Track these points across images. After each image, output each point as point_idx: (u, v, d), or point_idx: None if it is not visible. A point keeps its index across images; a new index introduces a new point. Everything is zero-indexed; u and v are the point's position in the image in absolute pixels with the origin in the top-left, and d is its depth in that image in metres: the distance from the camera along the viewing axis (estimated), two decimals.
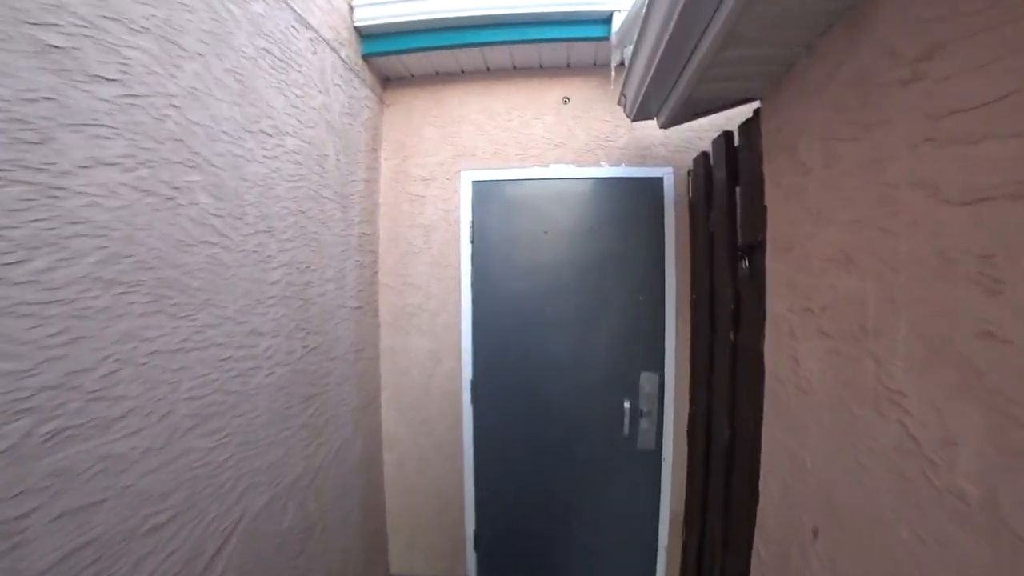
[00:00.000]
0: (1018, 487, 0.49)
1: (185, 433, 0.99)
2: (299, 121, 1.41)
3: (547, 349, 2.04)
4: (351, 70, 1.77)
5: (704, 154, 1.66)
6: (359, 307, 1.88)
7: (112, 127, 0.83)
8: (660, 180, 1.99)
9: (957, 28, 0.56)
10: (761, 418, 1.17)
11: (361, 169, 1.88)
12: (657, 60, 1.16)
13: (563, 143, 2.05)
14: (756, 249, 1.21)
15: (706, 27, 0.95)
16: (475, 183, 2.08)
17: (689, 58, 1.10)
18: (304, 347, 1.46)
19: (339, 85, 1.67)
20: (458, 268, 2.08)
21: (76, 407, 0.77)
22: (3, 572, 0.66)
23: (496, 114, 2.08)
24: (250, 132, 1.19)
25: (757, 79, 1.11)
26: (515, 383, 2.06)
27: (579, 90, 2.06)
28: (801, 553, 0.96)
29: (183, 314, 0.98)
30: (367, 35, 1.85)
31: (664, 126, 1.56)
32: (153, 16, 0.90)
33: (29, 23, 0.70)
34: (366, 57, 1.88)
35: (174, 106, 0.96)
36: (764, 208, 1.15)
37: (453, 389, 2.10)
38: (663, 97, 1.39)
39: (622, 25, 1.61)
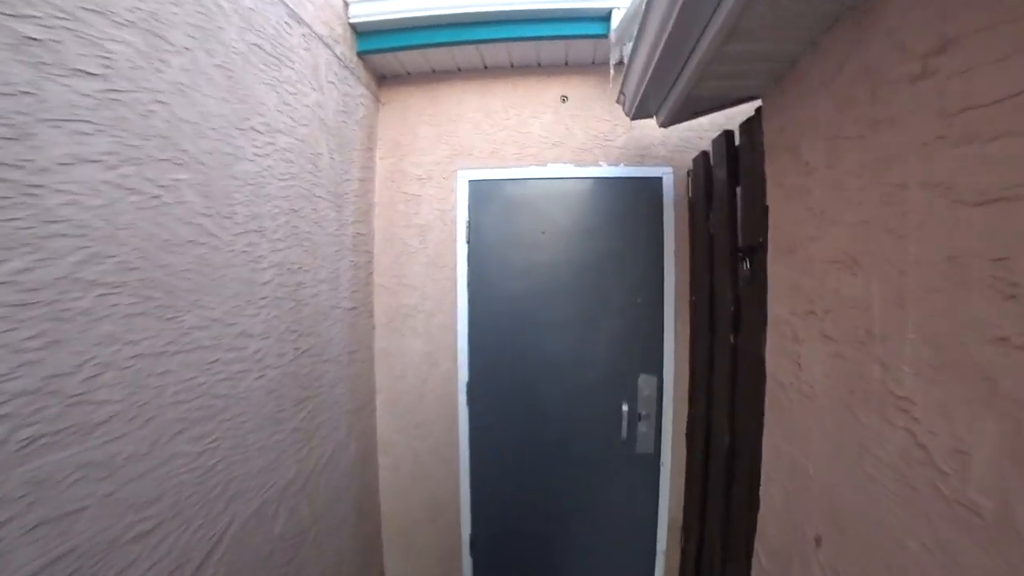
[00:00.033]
0: None
1: (171, 438, 0.96)
2: (291, 119, 1.38)
3: (544, 351, 2.01)
4: (346, 67, 1.74)
5: (704, 154, 1.64)
6: (353, 308, 1.85)
7: (94, 123, 0.80)
8: (659, 180, 1.97)
9: (972, 21, 0.54)
10: (762, 423, 1.15)
11: (356, 168, 1.86)
12: (657, 57, 1.14)
13: (561, 142, 2.03)
14: (757, 250, 1.19)
15: (707, 22, 0.93)
16: (472, 182, 2.05)
17: (689, 55, 1.08)
18: (296, 349, 1.43)
19: (333, 82, 1.65)
20: (454, 269, 2.05)
21: (55, 412, 0.75)
22: None
23: (493, 113, 2.06)
24: (240, 129, 1.16)
25: (759, 77, 1.09)
26: (512, 386, 2.03)
27: (577, 88, 2.03)
28: (803, 561, 0.94)
29: (169, 316, 0.95)
30: (362, 32, 1.82)
31: (664, 125, 1.53)
32: (138, 9, 0.88)
33: (4, 14, 0.67)
34: (361, 54, 1.85)
35: (160, 102, 0.93)
36: (766, 209, 1.13)
37: (449, 391, 2.07)
38: (663, 95, 1.37)
39: (621, 22, 1.59)
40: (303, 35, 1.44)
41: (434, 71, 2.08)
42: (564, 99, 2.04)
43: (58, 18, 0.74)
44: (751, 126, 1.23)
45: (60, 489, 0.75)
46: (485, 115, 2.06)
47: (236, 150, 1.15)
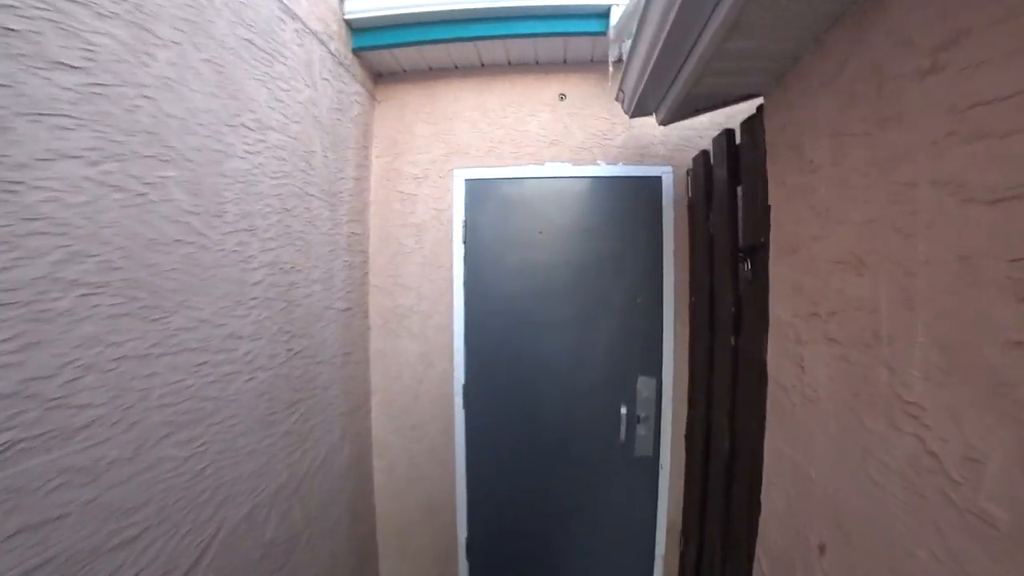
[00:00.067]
0: None
1: (157, 442, 0.94)
2: (284, 115, 1.35)
3: (542, 352, 1.99)
4: (340, 64, 1.71)
5: (704, 152, 1.62)
6: (347, 309, 1.82)
7: (76, 117, 0.78)
8: (659, 179, 1.95)
9: (985, 13, 0.52)
10: (763, 426, 1.13)
11: (350, 166, 1.83)
12: (656, 54, 1.11)
13: (559, 141, 2.00)
14: (759, 251, 1.17)
15: (708, 19, 0.91)
16: (468, 181, 2.02)
17: (689, 52, 1.05)
18: (288, 351, 1.40)
19: (327, 79, 1.62)
20: (450, 269, 2.03)
21: (33, 417, 0.72)
22: None
23: (490, 111, 2.03)
24: (230, 126, 1.13)
25: (760, 74, 1.07)
26: (508, 387, 2.01)
27: (576, 86, 2.01)
28: (806, 568, 0.92)
29: (155, 317, 0.92)
30: (358, 28, 1.80)
31: (663, 123, 1.51)
32: (123, 0, 0.85)
33: None
34: (356, 51, 1.83)
35: (146, 97, 0.90)
36: (768, 208, 1.11)
37: (445, 393, 2.04)
38: (662, 92, 1.35)
39: (620, 18, 1.57)
40: (296, 30, 1.41)
41: (431, 69, 2.05)
42: (562, 97, 2.01)
43: (38, 8, 0.72)
44: (752, 124, 1.21)
45: (40, 495, 0.73)
46: (482, 113, 2.03)
47: (226, 147, 1.12)
